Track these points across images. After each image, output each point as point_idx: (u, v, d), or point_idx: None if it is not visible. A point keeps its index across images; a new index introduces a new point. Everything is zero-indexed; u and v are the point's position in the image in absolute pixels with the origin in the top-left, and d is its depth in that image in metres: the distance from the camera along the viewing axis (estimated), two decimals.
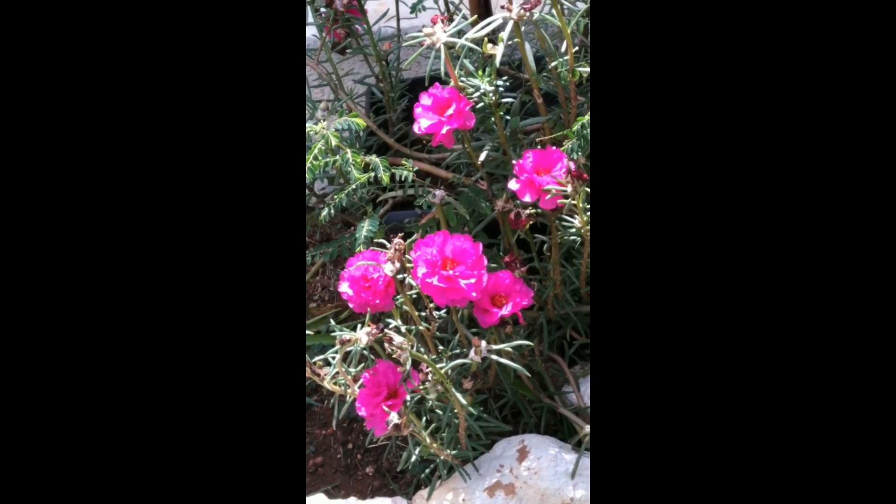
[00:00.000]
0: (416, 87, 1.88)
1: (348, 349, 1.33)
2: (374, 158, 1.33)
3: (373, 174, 1.35)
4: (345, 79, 1.83)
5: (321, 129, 1.30)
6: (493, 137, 1.52)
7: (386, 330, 1.30)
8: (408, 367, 1.31)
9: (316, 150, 1.28)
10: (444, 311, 1.48)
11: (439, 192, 1.46)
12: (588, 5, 1.41)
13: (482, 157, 1.47)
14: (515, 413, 1.64)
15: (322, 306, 1.99)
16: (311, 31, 1.80)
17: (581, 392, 1.58)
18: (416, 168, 1.43)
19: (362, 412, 1.36)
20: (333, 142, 1.29)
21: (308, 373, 1.37)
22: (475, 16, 1.40)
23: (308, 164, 1.27)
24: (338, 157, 1.32)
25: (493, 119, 1.44)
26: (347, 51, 1.75)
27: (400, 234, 1.33)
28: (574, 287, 1.56)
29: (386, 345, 1.30)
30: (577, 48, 1.38)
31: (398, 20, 1.88)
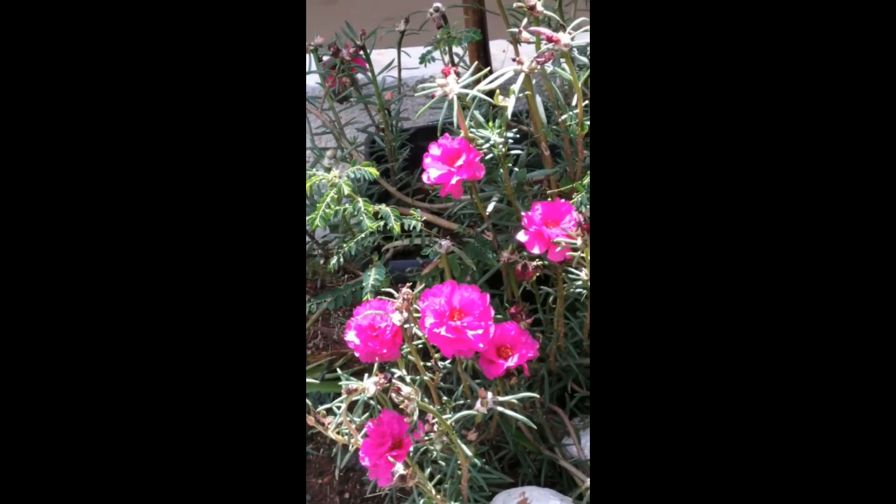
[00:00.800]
0: (417, 136, 1.89)
1: (354, 398, 1.32)
2: (384, 208, 1.33)
3: (382, 223, 1.35)
4: (346, 127, 1.83)
5: (333, 177, 1.30)
6: (498, 189, 1.52)
7: (393, 380, 1.30)
8: (415, 417, 1.31)
9: (328, 199, 1.29)
10: (448, 361, 1.47)
11: (445, 242, 1.46)
12: None
13: (490, 208, 1.47)
14: (513, 464, 1.64)
15: (316, 354, 1.99)
16: (314, 79, 1.81)
17: (582, 445, 1.57)
18: (424, 218, 1.43)
19: (366, 462, 1.36)
20: (346, 190, 1.29)
21: (311, 421, 1.36)
22: (481, 69, 1.41)
23: (320, 213, 1.27)
24: (349, 205, 1.32)
25: (500, 170, 1.44)
26: (351, 99, 1.76)
27: (409, 284, 1.33)
28: (577, 339, 1.56)
29: (393, 395, 1.29)
30: (586, 101, 1.39)
31: (399, 70, 1.89)
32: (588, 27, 1.34)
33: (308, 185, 1.30)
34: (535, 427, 1.41)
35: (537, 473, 1.59)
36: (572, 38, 1.29)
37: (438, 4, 1.68)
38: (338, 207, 1.30)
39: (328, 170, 1.48)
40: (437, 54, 1.75)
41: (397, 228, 1.33)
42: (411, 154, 1.85)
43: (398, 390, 1.28)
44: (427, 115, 2.05)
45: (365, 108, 1.88)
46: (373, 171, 1.33)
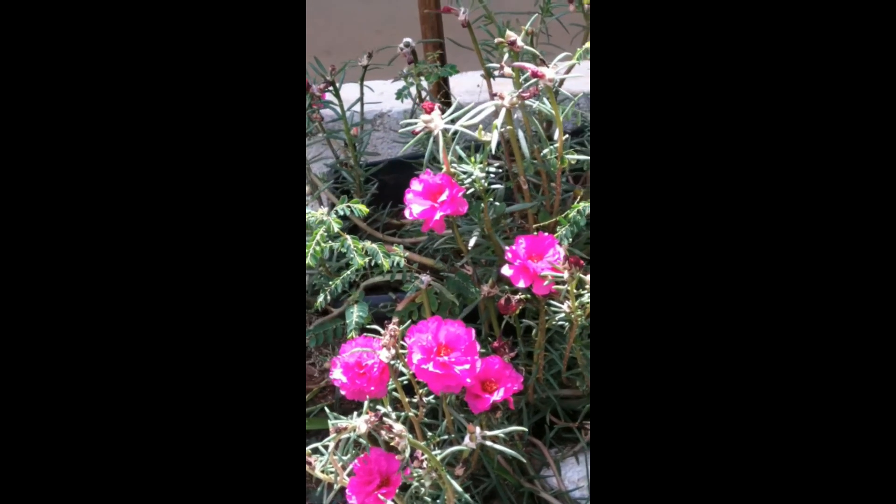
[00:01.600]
0: (383, 171, 1.89)
1: (344, 437, 1.31)
2: (370, 245, 1.33)
3: (369, 259, 1.35)
4: (314, 163, 1.83)
5: (321, 214, 1.30)
6: (476, 223, 1.52)
7: (383, 418, 1.29)
8: (407, 454, 1.30)
9: (318, 236, 1.28)
10: (432, 397, 1.46)
11: (425, 277, 1.46)
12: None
13: (472, 242, 1.48)
14: (489, 497, 1.63)
15: None
16: None
17: (562, 476, 1.58)
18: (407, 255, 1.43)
19: (353, 501, 1.35)
20: (336, 228, 1.29)
21: None
22: (461, 105, 1.41)
23: (311, 251, 1.27)
24: (337, 242, 1.31)
25: (481, 204, 1.44)
26: (320, 134, 1.75)
27: (395, 321, 1.33)
28: (555, 371, 1.56)
29: (383, 432, 1.29)
30: (566, 136, 1.40)
31: (362, 105, 1.89)
32: (569, 63, 1.35)
33: None
34: (523, 460, 1.41)
35: None
36: (556, 73, 1.30)
37: (409, 40, 1.69)
38: (326, 245, 1.29)
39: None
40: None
41: (386, 265, 1.33)
42: (378, 189, 1.85)
43: (390, 428, 1.27)
44: (388, 149, 2.06)
45: (327, 143, 1.88)
46: (362, 208, 1.33)
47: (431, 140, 1.34)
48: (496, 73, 1.50)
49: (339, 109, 1.73)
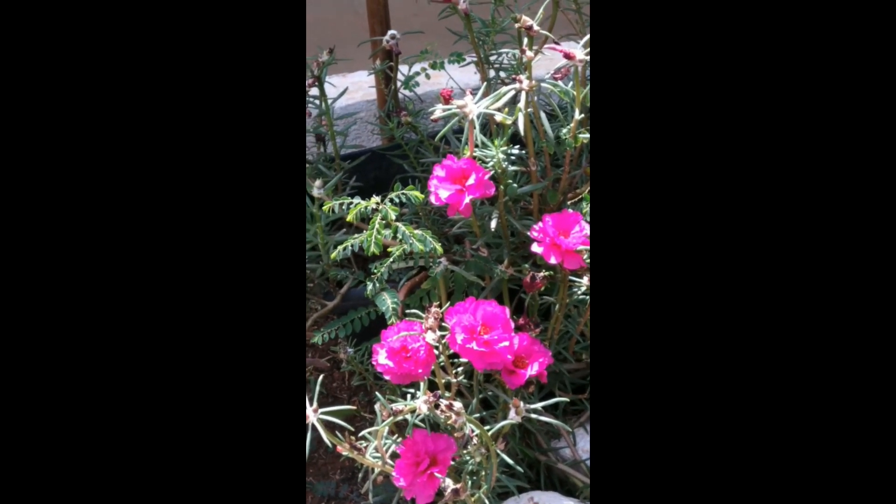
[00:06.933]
0: (360, 165, 1.90)
1: (398, 419, 1.34)
2: (421, 232, 1.34)
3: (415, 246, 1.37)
4: None
5: (373, 202, 1.31)
6: (493, 206, 1.56)
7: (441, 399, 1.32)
8: (466, 431, 1.33)
9: (377, 224, 1.29)
10: (463, 377, 1.50)
11: (443, 261, 1.50)
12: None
13: (493, 224, 1.51)
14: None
15: None
16: None
17: (577, 447, 1.63)
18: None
19: (401, 482, 1.37)
20: (392, 216, 1.31)
21: (345, 448, 1.36)
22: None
23: (373, 238, 1.28)
24: (389, 230, 1.33)
25: (500, 186, 1.48)
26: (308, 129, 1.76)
27: (435, 304, 1.35)
28: (564, 346, 1.61)
29: (439, 412, 1.31)
30: (582, 115, 1.45)
31: (322, 100, 1.90)
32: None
33: (352, 212, 1.31)
34: (568, 429, 1.45)
35: (534, 478, 1.63)
36: (585, 54, 1.35)
37: (394, 32, 1.71)
38: (386, 231, 1.31)
39: (313, 199, 1.49)
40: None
41: (440, 249, 1.35)
42: (357, 181, 1.86)
43: (449, 407, 1.30)
44: (360, 142, 2.07)
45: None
46: (417, 195, 1.35)
47: (467, 124, 1.37)
48: (492, 59, 1.53)
49: (319, 104, 1.74)
